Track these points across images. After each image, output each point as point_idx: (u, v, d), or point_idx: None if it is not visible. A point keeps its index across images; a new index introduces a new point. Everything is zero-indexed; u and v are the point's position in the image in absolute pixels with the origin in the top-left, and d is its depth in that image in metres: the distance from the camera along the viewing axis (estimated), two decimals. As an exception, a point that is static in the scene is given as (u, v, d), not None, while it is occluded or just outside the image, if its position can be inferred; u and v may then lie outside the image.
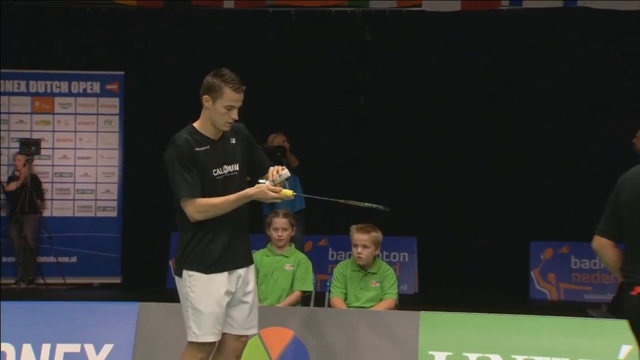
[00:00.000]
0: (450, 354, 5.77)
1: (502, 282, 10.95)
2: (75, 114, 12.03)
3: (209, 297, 4.77)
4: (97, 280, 11.79)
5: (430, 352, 5.79)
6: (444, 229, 11.72)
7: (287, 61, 11.99)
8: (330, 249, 11.59)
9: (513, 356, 5.69)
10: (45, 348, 6.02)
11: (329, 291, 6.61)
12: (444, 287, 11.20)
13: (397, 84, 12.01)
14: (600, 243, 4.29)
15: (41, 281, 11.33)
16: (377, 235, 6.46)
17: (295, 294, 6.60)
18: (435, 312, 6.12)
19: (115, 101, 12.07)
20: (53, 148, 11.98)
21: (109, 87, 12.04)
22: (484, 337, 5.82)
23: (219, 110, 4.73)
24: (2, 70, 11.63)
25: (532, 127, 11.75)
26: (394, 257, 11.35)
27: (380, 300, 6.39)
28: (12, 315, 6.06)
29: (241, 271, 4.91)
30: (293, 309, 6.38)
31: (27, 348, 6.02)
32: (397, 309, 6.37)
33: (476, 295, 10.59)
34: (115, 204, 12.03)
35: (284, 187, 4.81)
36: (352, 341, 5.94)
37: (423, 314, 5.95)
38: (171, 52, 12.18)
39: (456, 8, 10.96)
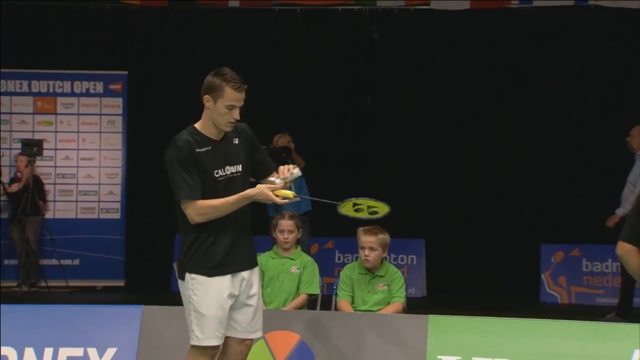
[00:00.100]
0: (459, 358, 5.71)
1: (511, 284, 10.90)
2: (78, 114, 11.99)
3: (211, 300, 4.72)
4: (100, 283, 11.77)
5: (439, 357, 5.74)
6: (451, 229, 11.62)
7: (293, 60, 11.95)
8: (337, 251, 11.53)
9: (523, 360, 5.64)
10: (48, 352, 5.99)
11: (336, 294, 6.56)
12: (452, 290, 11.13)
13: (404, 83, 11.96)
14: (625, 249, 4.34)
15: (43, 284, 11.30)
16: (384, 237, 6.41)
17: (301, 297, 6.58)
18: (444, 315, 6.05)
19: (119, 101, 12.02)
20: (55, 149, 11.94)
21: (112, 87, 11.99)
22: (494, 341, 5.75)
23: (220, 110, 4.68)
24: (4, 70, 11.61)
25: (540, 126, 11.67)
26: (402, 259, 11.29)
27: (388, 303, 6.36)
28: (14, 319, 6.02)
29: (245, 274, 4.86)
30: (299, 313, 6.34)
31: (29, 352, 5.98)
32: (405, 313, 6.31)
33: (485, 298, 10.52)
34: (118, 205, 11.99)
35: (290, 189, 4.74)
36: (359, 345, 5.88)
37: (431, 318, 5.89)
38: (175, 52, 12.10)
39: (465, 6, 11.02)
